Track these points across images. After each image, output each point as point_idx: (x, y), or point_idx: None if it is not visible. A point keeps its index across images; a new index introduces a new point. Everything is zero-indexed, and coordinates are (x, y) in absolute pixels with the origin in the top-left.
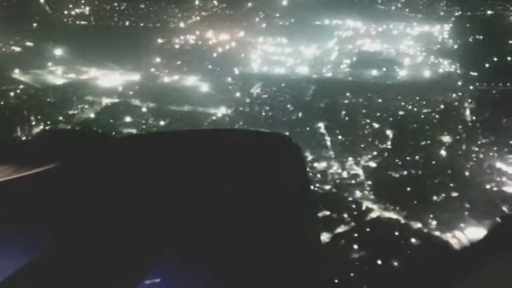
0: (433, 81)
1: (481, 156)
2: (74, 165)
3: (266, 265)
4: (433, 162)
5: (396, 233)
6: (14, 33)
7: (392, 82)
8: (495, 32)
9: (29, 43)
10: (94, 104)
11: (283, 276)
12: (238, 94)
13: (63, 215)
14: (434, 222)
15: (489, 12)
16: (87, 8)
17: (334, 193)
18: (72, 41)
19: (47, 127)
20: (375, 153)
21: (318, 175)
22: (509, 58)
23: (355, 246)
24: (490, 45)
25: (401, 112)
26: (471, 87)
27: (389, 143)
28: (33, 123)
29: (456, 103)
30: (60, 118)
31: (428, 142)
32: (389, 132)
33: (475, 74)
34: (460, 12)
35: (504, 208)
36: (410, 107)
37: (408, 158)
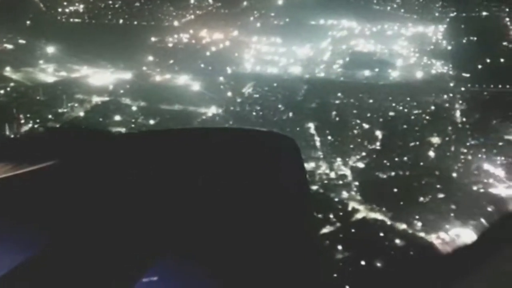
0: (425, 82)
1: (470, 157)
2: (71, 163)
3: (265, 264)
4: (421, 163)
5: (381, 234)
6: (6, 31)
7: (384, 83)
8: (489, 33)
9: (21, 41)
10: (84, 102)
11: (281, 276)
12: (229, 94)
13: (60, 213)
14: (419, 223)
15: (484, 13)
16: (82, 6)
17: (321, 194)
18: (65, 39)
19: (36, 125)
20: (363, 153)
21: (306, 176)
22: (502, 60)
23: (339, 247)
24: (483, 46)
25: (391, 113)
26: (462, 89)
27: (378, 143)
28: (22, 121)
29: (447, 104)
30: (50, 116)
31: (417, 143)
32: (378, 133)
33: (467, 75)
34: (455, 13)
35: (490, 209)
36: (400, 108)
37: (396, 159)
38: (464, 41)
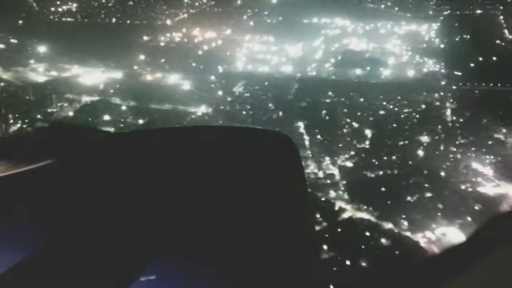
0: (416, 80)
1: (459, 156)
2: (67, 162)
3: (264, 264)
4: (410, 162)
5: (367, 234)
6: None
7: (376, 82)
8: (483, 32)
9: (13, 40)
10: (73, 102)
11: (280, 276)
12: (220, 93)
13: (58, 212)
14: (405, 223)
15: (478, 11)
16: (75, 5)
17: (309, 193)
18: (57, 38)
19: (24, 125)
20: (352, 152)
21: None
22: (494, 58)
23: (325, 247)
24: (476, 44)
25: (381, 112)
26: (454, 87)
27: (367, 142)
28: (11, 121)
29: (438, 103)
30: (38, 116)
31: (406, 142)
32: (368, 132)
33: (459, 73)
34: (449, 11)
35: (477, 208)
36: (391, 106)
37: (385, 158)
38: (457, 39)
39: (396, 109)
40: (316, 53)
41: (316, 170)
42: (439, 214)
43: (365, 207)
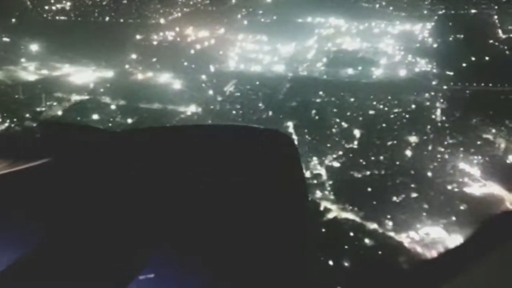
0: (407, 80)
1: (446, 156)
2: (66, 160)
3: (263, 263)
4: (397, 163)
5: (351, 234)
6: None
7: (367, 81)
8: (477, 31)
9: (5, 39)
10: (63, 101)
11: (279, 275)
12: (210, 92)
13: (55, 211)
14: (390, 223)
15: (473, 10)
16: (69, 4)
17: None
18: (49, 36)
19: (13, 125)
20: (340, 152)
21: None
22: (487, 58)
23: None
24: (470, 44)
25: (371, 112)
26: (445, 87)
27: (355, 142)
28: None
29: (428, 103)
30: (27, 115)
31: (395, 142)
32: (357, 132)
33: (451, 73)
34: (443, 11)
35: (462, 208)
36: (381, 106)
37: (372, 158)
38: (450, 39)
39: (386, 109)
40: (309, 53)
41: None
42: (424, 214)
43: (350, 207)
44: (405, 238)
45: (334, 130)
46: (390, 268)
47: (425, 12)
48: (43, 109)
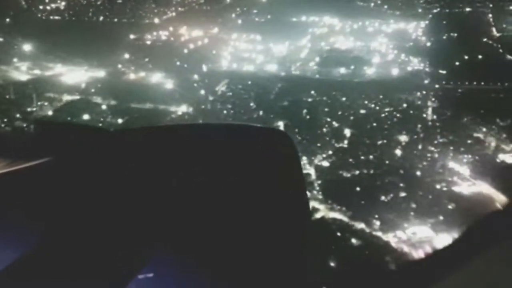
0: (400, 79)
1: (436, 155)
2: (66, 160)
3: (263, 263)
4: (387, 162)
5: (338, 234)
6: None
7: (359, 80)
8: (471, 30)
9: None
10: (54, 101)
11: (278, 275)
12: (202, 92)
13: (55, 211)
14: (378, 222)
15: (467, 9)
16: (63, 3)
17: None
18: (42, 36)
19: (2, 125)
20: (330, 152)
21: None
22: (480, 57)
23: None
24: (463, 43)
25: (362, 111)
26: (436, 86)
27: (346, 142)
28: None
29: (419, 102)
30: (17, 115)
31: (385, 141)
32: (347, 131)
33: (443, 72)
34: (438, 9)
35: (450, 207)
36: (372, 105)
37: (362, 157)
38: (444, 37)
39: (377, 108)
40: (302, 52)
41: None
42: (412, 213)
43: (338, 207)
44: (392, 238)
45: (324, 129)
46: (376, 268)
47: (420, 10)
48: (34, 109)
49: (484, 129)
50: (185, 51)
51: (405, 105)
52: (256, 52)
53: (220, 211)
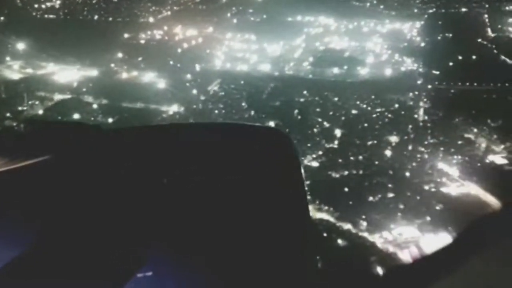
0: (392, 79)
1: (426, 156)
2: (64, 159)
3: (263, 263)
4: (376, 162)
5: (325, 234)
6: None
7: (352, 81)
8: (466, 30)
9: None
10: (45, 100)
11: (280, 276)
12: (194, 91)
13: (53, 210)
14: (364, 223)
15: (463, 9)
16: (58, 2)
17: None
18: (36, 35)
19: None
20: (320, 152)
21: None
22: (474, 57)
23: None
24: (458, 43)
25: (354, 111)
26: (429, 86)
27: (336, 142)
28: None
29: (411, 103)
30: (8, 114)
31: (375, 142)
32: (338, 132)
33: (437, 72)
34: (434, 9)
35: (438, 208)
36: (364, 106)
37: (351, 158)
38: (439, 38)
39: (368, 108)
40: (296, 52)
41: None
42: (399, 214)
43: (326, 207)
44: (378, 239)
45: (315, 129)
46: (361, 269)
47: (416, 10)
48: (25, 108)
49: (475, 130)
50: (179, 50)
51: (397, 105)
52: (250, 51)
53: (219, 210)
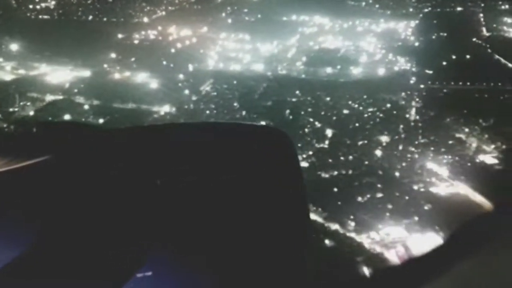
0: (385, 79)
1: (416, 156)
2: (64, 159)
3: (263, 263)
4: (366, 163)
5: (312, 235)
6: None
7: (345, 80)
8: (461, 29)
9: None
10: (36, 101)
11: (280, 276)
12: (186, 92)
13: (52, 210)
14: (352, 223)
15: (458, 8)
16: (53, 2)
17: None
18: (30, 35)
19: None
20: (310, 152)
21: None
22: (468, 56)
23: None
24: (452, 42)
25: (345, 111)
26: (422, 86)
27: (326, 142)
28: None
29: (403, 102)
30: None
31: (366, 141)
32: (329, 132)
33: (430, 72)
34: (429, 8)
35: (426, 208)
36: (356, 106)
37: (342, 158)
38: (433, 37)
39: (360, 108)
40: (290, 52)
41: None
42: (387, 214)
43: (314, 208)
44: (365, 239)
45: (306, 129)
46: (348, 269)
47: (411, 10)
48: (16, 109)
49: (467, 130)
50: (172, 50)
51: (388, 105)
52: (244, 51)
53: (219, 210)
